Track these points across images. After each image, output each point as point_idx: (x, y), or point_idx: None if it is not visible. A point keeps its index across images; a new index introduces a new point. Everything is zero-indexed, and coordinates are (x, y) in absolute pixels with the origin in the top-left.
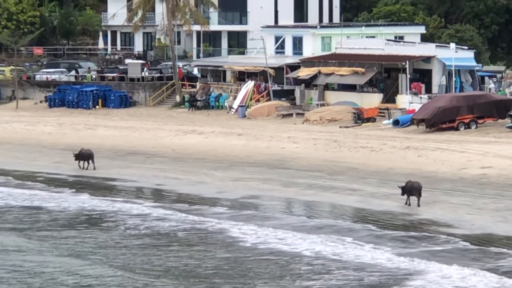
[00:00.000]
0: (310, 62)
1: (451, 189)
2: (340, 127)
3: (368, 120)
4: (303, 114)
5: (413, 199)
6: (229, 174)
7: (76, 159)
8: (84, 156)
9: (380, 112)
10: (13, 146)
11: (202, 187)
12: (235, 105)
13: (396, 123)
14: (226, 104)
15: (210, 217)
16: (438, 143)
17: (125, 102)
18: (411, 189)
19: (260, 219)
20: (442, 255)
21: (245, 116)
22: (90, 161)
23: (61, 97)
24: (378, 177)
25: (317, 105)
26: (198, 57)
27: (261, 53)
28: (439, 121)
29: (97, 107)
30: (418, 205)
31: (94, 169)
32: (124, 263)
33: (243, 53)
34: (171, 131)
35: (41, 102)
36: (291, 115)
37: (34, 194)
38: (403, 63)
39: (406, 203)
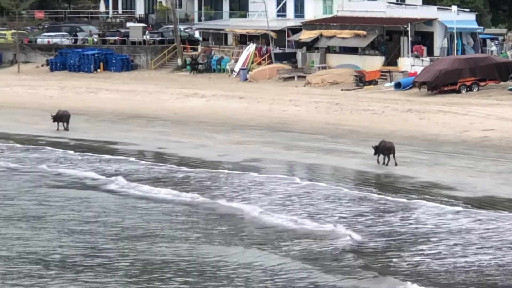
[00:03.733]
0: (311, 25)
1: (453, 151)
2: (342, 90)
3: (370, 83)
4: (304, 77)
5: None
6: (231, 137)
7: (54, 121)
8: (61, 117)
9: (382, 75)
10: (14, 110)
11: (204, 150)
12: (237, 68)
13: (398, 85)
14: (227, 67)
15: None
16: (440, 106)
17: (127, 65)
18: (384, 149)
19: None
20: None
21: (246, 79)
22: (65, 123)
23: (63, 61)
24: (380, 140)
25: (319, 68)
26: (199, 20)
27: (263, 16)
28: (441, 83)
29: (98, 70)
30: (395, 164)
31: (67, 130)
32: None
33: (244, 16)
34: (173, 94)
35: (42, 65)
36: (292, 78)
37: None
38: (405, 26)
39: (378, 163)
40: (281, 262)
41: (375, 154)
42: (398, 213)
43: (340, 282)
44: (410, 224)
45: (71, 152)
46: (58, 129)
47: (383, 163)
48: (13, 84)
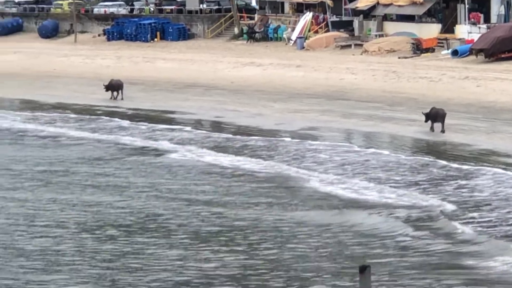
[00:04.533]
0: None
1: (511, 119)
2: (399, 57)
3: (427, 50)
4: (361, 45)
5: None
6: (288, 106)
7: (106, 90)
8: (114, 86)
9: (438, 43)
10: (71, 80)
11: (261, 119)
12: (294, 36)
13: (454, 53)
14: (284, 35)
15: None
16: (497, 73)
17: (183, 34)
18: (436, 116)
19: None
20: None
21: (303, 47)
22: (120, 92)
23: (119, 30)
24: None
25: (376, 35)
26: None
27: None
28: (498, 50)
29: (155, 40)
30: (443, 131)
31: (122, 99)
32: None
33: None
34: (230, 63)
35: (99, 35)
36: (349, 46)
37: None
38: None
39: (432, 130)
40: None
41: (426, 121)
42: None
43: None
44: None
45: (128, 121)
46: (111, 98)
47: (441, 131)
48: (70, 54)
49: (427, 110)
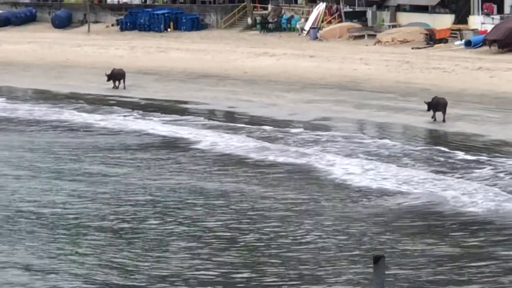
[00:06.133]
0: None
1: None
2: (412, 48)
3: (440, 41)
4: (375, 35)
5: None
6: (301, 96)
7: (108, 80)
8: (116, 76)
9: (452, 33)
10: (85, 70)
11: (275, 109)
12: (307, 27)
13: (468, 44)
14: (298, 26)
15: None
16: (511, 64)
17: (197, 24)
18: (437, 105)
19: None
20: None
21: (316, 38)
22: (122, 81)
23: (133, 20)
24: (451, 98)
25: (389, 26)
26: None
27: None
28: None
29: (168, 30)
30: (444, 120)
31: (124, 88)
32: None
33: None
34: (243, 53)
35: (112, 25)
36: (363, 36)
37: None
38: None
39: (432, 118)
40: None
41: (428, 110)
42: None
43: None
44: None
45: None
46: (114, 87)
47: (442, 120)
48: (84, 44)
49: (429, 99)
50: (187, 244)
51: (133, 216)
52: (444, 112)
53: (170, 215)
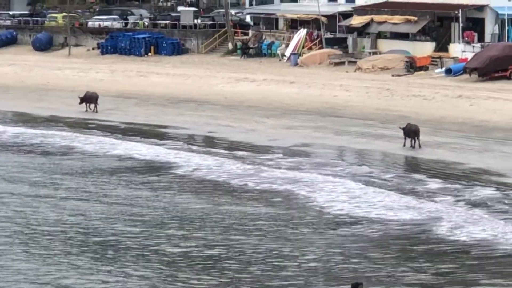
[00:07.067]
0: (363, 10)
1: (503, 138)
2: (393, 75)
3: (421, 68)
4: (355, 62)
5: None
6: (281, 122)
7: (81, 102)
8: (89, 99)
9: (432, 61)
10: (65, 93)
11: (254, 135)
12: (288, 53)
13: (448, 71)
14: (278, 51)
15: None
16: (491, 92)
17: (178, 49)
18: (409, 132)
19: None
20: None
21: (297, 64)
22: (94, 105)
23: (114, 44)
24: (431, 126)
25: (370, 53)
26: (250, 4)
27: (314, 1)
28: (492, 70)
29: (149, 54)
30: (419, 146)
31: (96, 111)
32: None
33: (295, 0)
34: (223, 78)
35: (93, 49)
36: (343, 63)
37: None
38: (456, 12)
39: (403, 145)
40: None
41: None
42: None
43: None
44: None
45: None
46: (86, 110)
47: (410, 146)
48: (64, 67)
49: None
50: None
51: None
52: (417, 138)
53: None
